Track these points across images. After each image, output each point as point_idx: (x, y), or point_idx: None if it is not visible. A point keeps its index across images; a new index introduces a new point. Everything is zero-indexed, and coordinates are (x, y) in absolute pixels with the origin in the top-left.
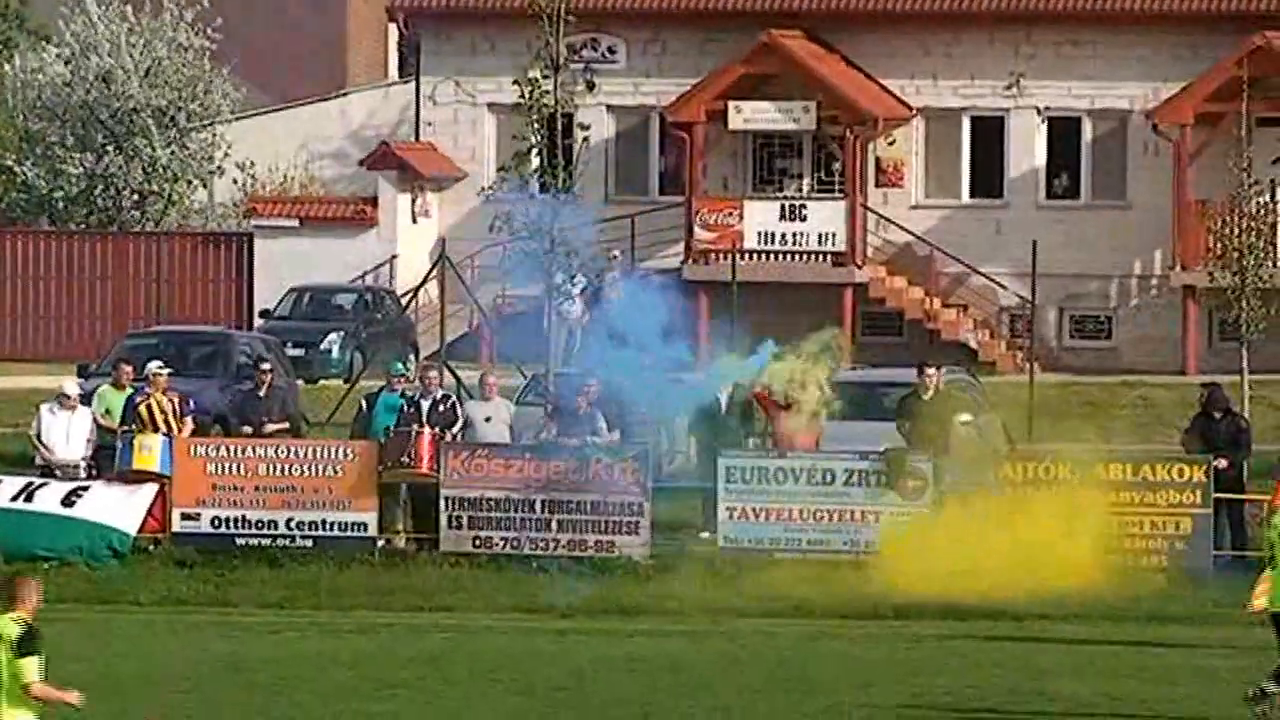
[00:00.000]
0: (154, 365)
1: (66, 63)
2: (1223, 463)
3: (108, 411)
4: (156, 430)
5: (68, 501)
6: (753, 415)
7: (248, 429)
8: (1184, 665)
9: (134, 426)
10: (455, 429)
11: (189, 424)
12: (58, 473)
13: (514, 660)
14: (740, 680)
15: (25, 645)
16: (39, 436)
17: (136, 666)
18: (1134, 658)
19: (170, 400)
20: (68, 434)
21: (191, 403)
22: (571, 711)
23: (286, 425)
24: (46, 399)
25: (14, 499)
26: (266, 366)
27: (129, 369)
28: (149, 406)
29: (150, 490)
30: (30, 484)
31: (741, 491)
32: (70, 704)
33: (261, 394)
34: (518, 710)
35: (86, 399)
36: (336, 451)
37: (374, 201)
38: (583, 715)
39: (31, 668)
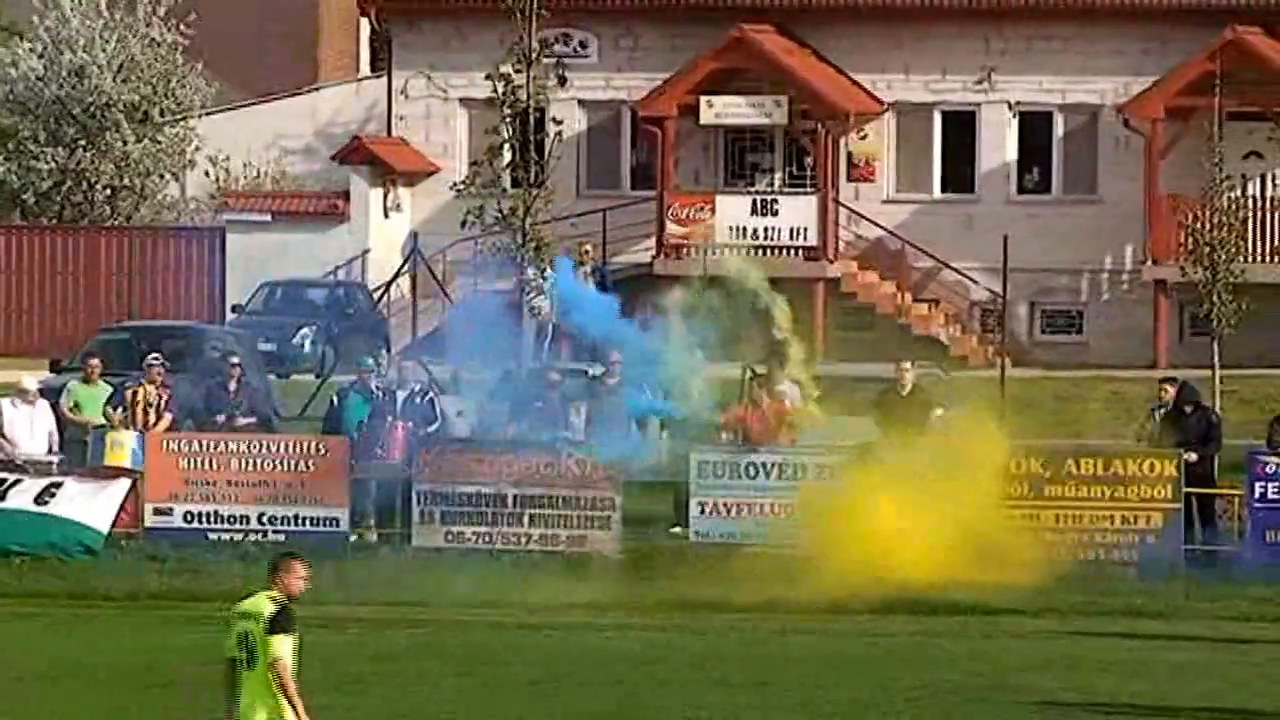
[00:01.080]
0: (151, 357)
1: (40, 57)
2: (1193, 457)
3: (76, 405)
4: (138, 421)
5: (41, 500)
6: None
7: (219, 421)
8: (1155, 659)
9: (118, 415)
10: (433, 427)
11: (167, 418)
12: (29, 468)
13: (485, 655)
14: (712, 675)
15: (278, 623)
16: (1, 432)
17: (109, 660)
18: (1105, 652)
19: (160, 394)
20: (30, 428)
21: (173, 399)
22: (543, 706)
23: (255, 419)
24: (7, 393)
25: None
26: (235, 360)
27: (96, 363)
28: (136, 396)
29: (123, 486)
30: (3, 481)
31: (713, 486)
32: (296, 711)
33: (231, 388)
34: (489, 705)
35: (51, 394)
36: (308, 446)
37: (346, 196)
38: (554, 710)
39: (281, 646)
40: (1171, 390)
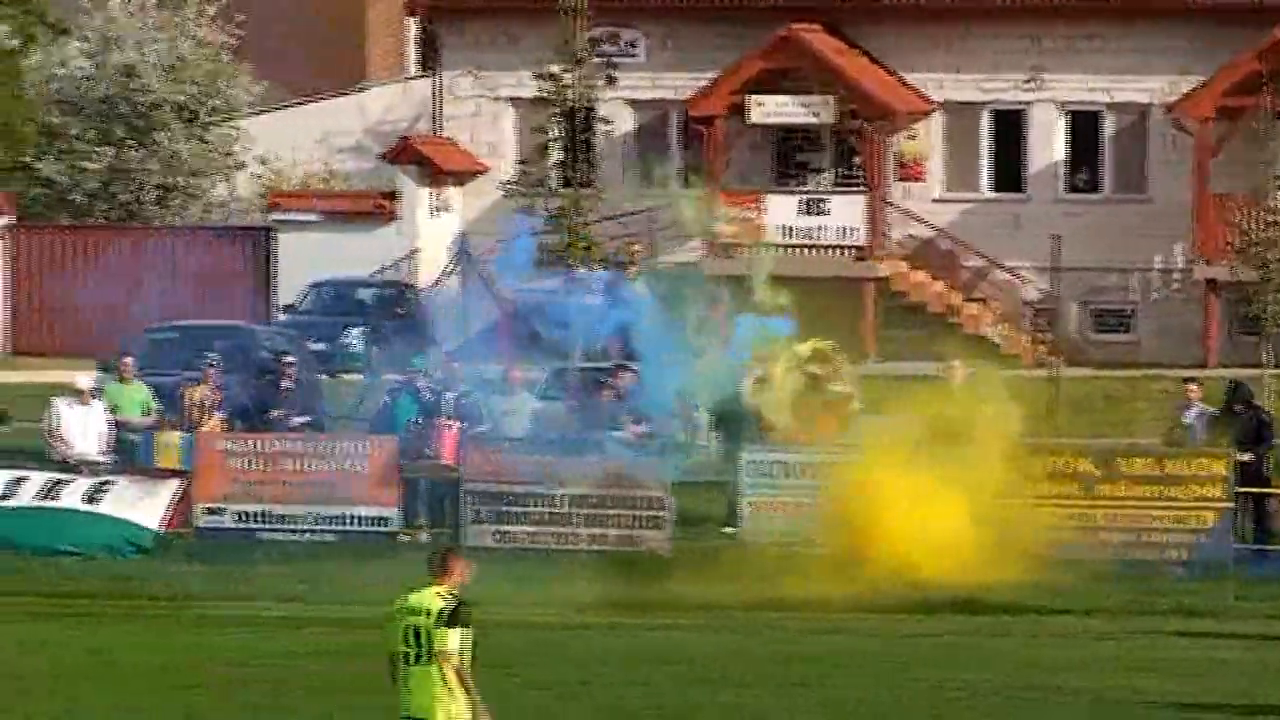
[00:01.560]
0: (207, 358)
1: (89, 57)
2: (1247, 456)
3: (113, 407)
4: (189, 420)
5: (91, 498)
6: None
7: (272, 418)
8: (1205, 659)
9: (169, 415)
10: (482, 427)
11: (218, 418)
12: (81, 469)
13: (530, 655)
14: (758, 673)
15: (449, 617)
16: (54, 431)
17: (160, 660)
18: (1155, 651)
19: (212, 394)
20: (85, 428)
21: (224, 399)
22: (581, 706)
23: (309, 419)
24: (62, 393)
25: (39, 495)
26: (290, 359)
27: (130, 361)
28: (187, 395)
29: (173, 486)
30: (55, 480)
31: (763, 486)
32: (472, 700)
33: (284, 386)
34: (532, 705)
35: (100, 393)
36: (358, 445)
37: (394, 196)
38: (594, 710)
39: (451, 639)
40: (1197, 391)
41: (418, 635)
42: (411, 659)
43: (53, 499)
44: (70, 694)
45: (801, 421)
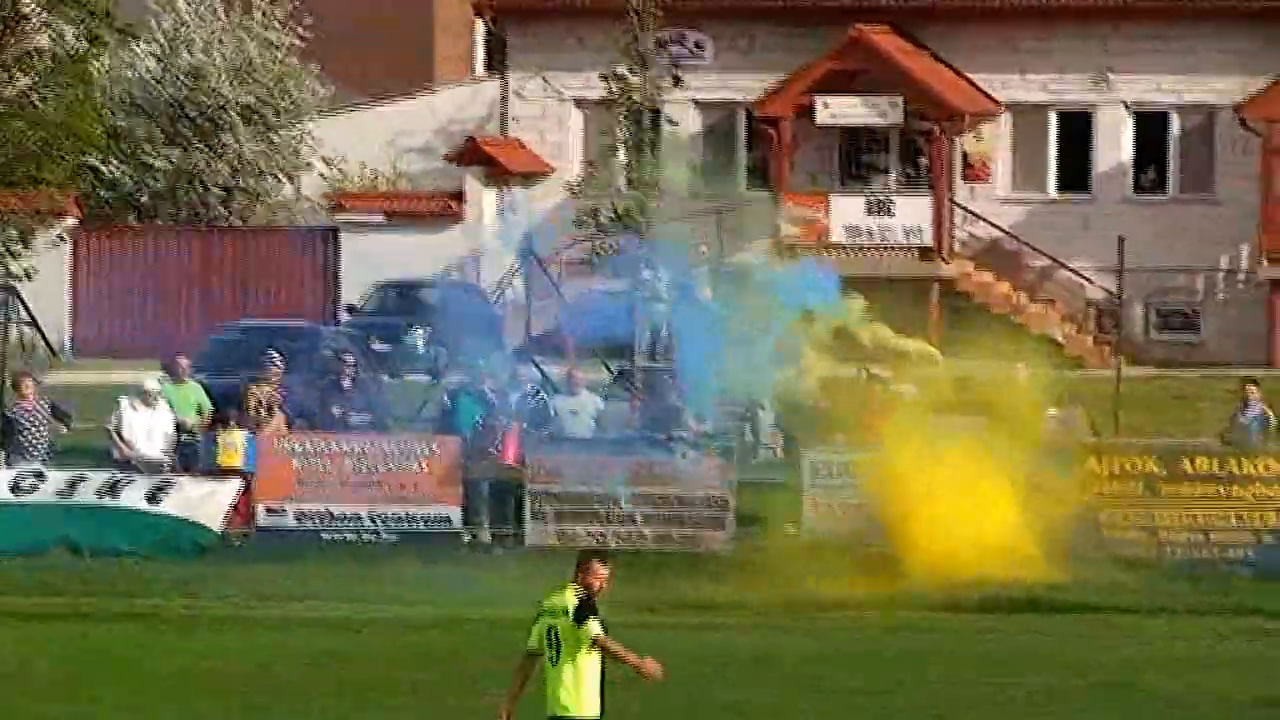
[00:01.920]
0: (269, 356)
1: (157, 60)
2: None
3: (170, 406)
4: (252, 419)
5: (153, 498)
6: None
7: (334, 416)
8: (1276, 659)
9: (234, 416)
10: (547, 429)
11: (280, 418)
12: (140, 468)
13: None
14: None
15: (583, 611)
16: (118, 432)
17: (220, 665)
18: (1224, 650)
19: (274, 393)
20: (149, 430)
21: (286, 399)
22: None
23: (370, 417)
24: (128, 394)
25: (99, 494)
26: (350, 359)
27: (185, 362)
28: (255, 397)
29: (234, 486)
30: (116, 479)
31: (826, 486)
32: (641, 669)
33: (345, 386)
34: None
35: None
36: (421, 446)
37: (461, 196)
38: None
39: (593, 625)
40: (1257, 392)
41: (554, 636)
42: (549, 660)
43: (113, 497)
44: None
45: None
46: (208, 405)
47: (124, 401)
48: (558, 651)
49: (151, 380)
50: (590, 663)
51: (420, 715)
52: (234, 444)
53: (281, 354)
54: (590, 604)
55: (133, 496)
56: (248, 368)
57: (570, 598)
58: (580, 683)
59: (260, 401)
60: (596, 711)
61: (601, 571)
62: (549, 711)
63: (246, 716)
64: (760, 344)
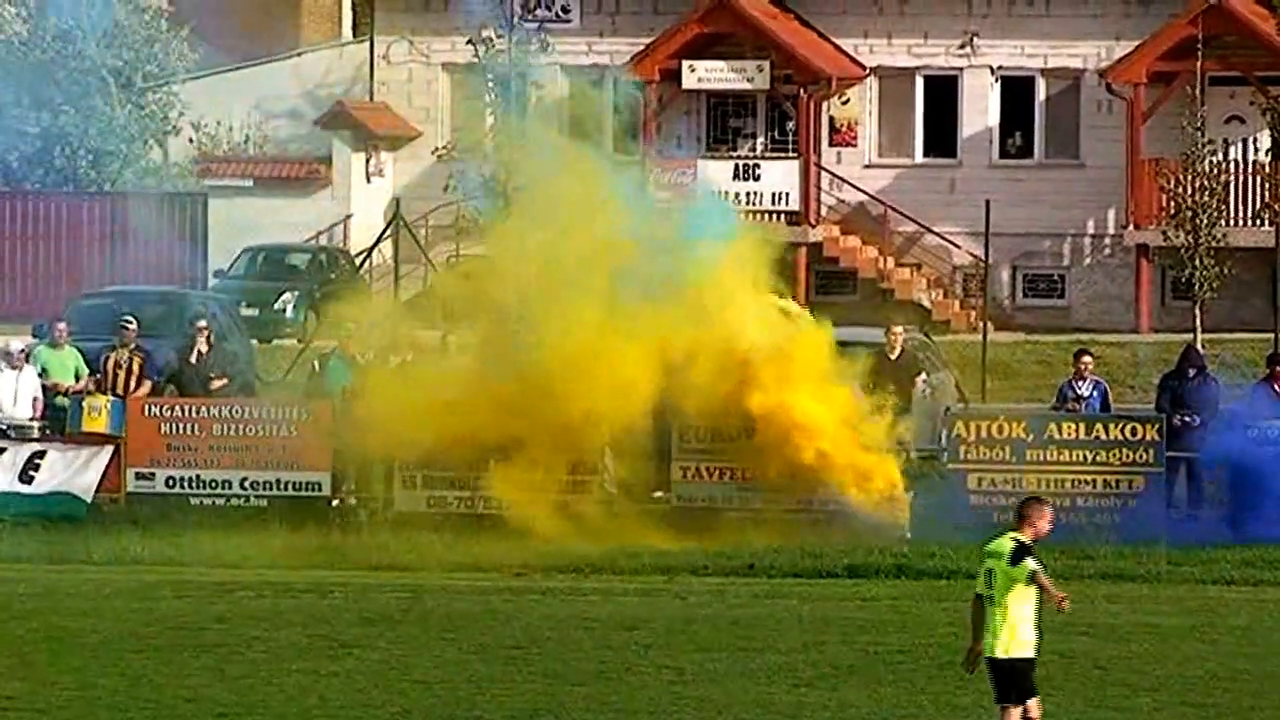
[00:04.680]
0: (124, 319)
1: (24, 21)
2: (1195, 420)
3: (44, 371)
4: (115, 386)
5: (25, 477)
6: None
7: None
8: (1137, 624)
9: (94, 381)
10: None
11: (146, 385)
12: (10, 432)
13: (468, 620)
14: (693, 639)
15: (1018, 554)
16: None
17: (90, 625)
18: (1087, 616)
19: (136, 357)
20: (15, 393)
21: (150, 363)
22: (527, 669)
23: (227, 381)
24: None
25: None
26: (203, 323)
27: (63, 327)
28: (112, 361)
29: (105, 454)
30: None
31: (694, 451)
32: (1061, 603)
33: (202, 349)
34: (472, 669)
35: (34, 359)
36: (291, 411)
37: (328, 161)
38: (537, 674)
39: (1030, 562)
40: (1090, 363)
41: (991, 578)
42: (988, 601)
43: None
44: (25, 662)
45: None
46: (85, 370)
47: None
48: (993, 594)
49: (16, 343)
50: (1024, 606)
51: (289, 677)
52: (99, 408)
53: (139, 320)
54: (1028, 547)
55: (4, 475)
56: (115, 332)
57: (1009, 542)
58: (1014, 625)
59: (119, 364)
60: (1031, 653)
61: (1048, 515)
62: (986, 654)
63: (119, 681)
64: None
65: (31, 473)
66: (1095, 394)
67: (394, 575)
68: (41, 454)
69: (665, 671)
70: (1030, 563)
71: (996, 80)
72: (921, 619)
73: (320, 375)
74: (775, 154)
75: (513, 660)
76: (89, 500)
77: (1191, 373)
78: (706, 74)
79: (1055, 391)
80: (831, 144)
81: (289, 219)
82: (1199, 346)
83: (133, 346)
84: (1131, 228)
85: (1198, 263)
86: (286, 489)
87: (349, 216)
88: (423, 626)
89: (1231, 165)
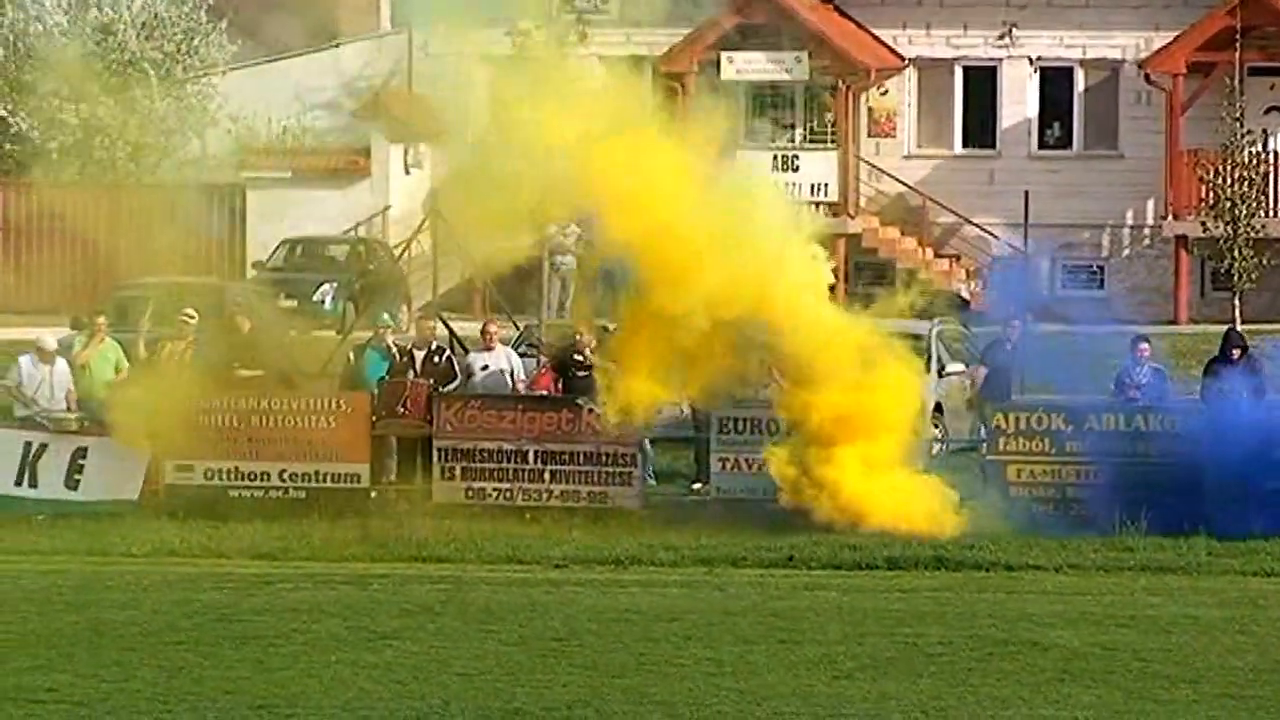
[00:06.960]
0: (185, 313)
1: (65, 13)
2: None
3: (84, 365)
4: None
5: (71, 482)
6: None
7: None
8: (1178, 615)
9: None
10: (453, 385)
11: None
12: (47, 423)
13: (508, 612)
14: (734, 631)
15: None
16: (19, 388)
17: (130, 617)
18: (1127, 608)
19: (188, 349)
20: (51, 386)
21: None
22: (566, 662)
23: (260, 372)
24: (27, 350)
25: (17, 483)
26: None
27: (103, 320)
28: (167, 351)
29: (147, 450)
30: (33, 459)
31: (734, 443)
32: None
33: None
34: (512, 661)
35: (67, 351)
36: (329, 403)
37: (366, 153)
38: (577, 666)
39: None
40: (1148, 349)
41: None
42: None
43: (33, 489)
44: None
45: None
46: (125, 364)
47: (23, 359)
48: None
49: (49, 337)
50: None
51: (329, 669)
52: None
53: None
54: None
55: (50, 478)
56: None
57: None
58: None
59: (174, 355)
60: None
61: None
62: None
63: (158, 673)
64: None
65: (77, 476)
66: (1154, 380)
67: (434, 567)
68: (84, 451)
69: (705, 664)
70: None
71: (1035, 71)
72: (961, 611)
73: (357, 366)
74: (814, 145)
75: (552, 652)
76: (135, 500)
77: (1235, 354)
78: (745, 65)
79: (1094, 384)
80: (870, 135)
81: (327, 210)
82: None
83: (190, 339)
84: (1170, 219)
85: (1236, 253)
86: (325, 480)
87: (387, 208)
88: (462, 618)
89: (1271, 156)
